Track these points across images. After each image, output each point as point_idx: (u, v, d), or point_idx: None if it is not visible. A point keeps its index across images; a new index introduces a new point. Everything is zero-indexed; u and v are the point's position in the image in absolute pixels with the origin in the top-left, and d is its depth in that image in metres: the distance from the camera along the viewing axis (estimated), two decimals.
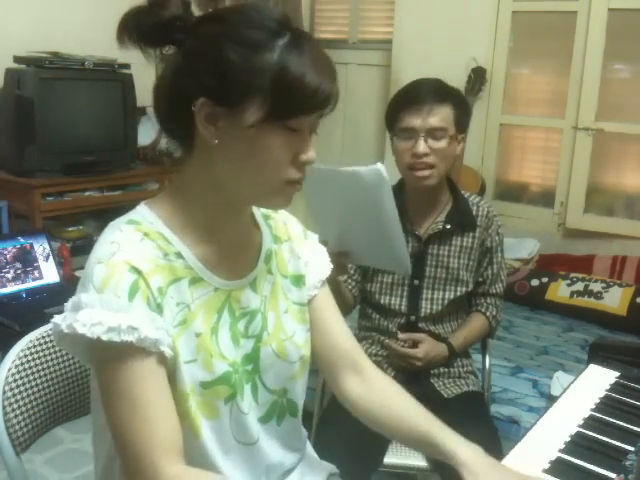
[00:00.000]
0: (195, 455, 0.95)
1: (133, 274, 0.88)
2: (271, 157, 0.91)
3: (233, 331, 1.00)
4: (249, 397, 1.02)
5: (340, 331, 1.16)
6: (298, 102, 0.89)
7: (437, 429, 1.06)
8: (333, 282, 1.61)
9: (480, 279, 1.80)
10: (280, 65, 0.87)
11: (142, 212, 0.97)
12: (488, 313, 1.81)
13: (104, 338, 0.85)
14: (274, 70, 0.87)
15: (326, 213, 1.53)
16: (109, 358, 0.88)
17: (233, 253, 1.02)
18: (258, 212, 1.10)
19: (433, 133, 1.62)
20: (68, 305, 0.90)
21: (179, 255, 0.95)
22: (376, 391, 1.13)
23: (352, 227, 1.50)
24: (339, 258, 1.56)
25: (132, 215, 0.96)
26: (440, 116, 1.62)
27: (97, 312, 0.86)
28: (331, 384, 1.15)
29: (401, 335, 1.68)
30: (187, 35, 0.91)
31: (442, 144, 1.63)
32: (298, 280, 1.11)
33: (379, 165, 1.37)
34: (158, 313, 0.90)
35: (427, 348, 1.66)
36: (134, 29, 0.91)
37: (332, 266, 1.20)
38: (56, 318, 0.91)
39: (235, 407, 0.99)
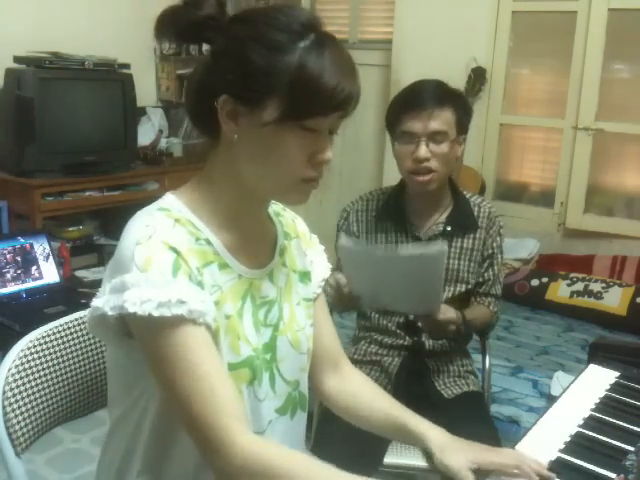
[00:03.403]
0: None
1: (173, 253, 0.90)
2: (287, 156, 0.94)
3: (255, 318, 1.03)
4: (267, 385, 1.03)
5: (328, 332, 1.22)
6: (315, 102, 0.91)
7: (407, 416, 1.14)
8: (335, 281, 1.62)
9: (480, 280, 1.79)
10: (299, 66, 0.90)
11: (170, 200, 0.99)
12: (491, 307, 1.80)
13: (155, 314, 0.87)
14: (293, 71, 0.90)
15: (365, 278, 1.52)
16: (162, 333, 0.89)
17: (253, 244, 1.05)
18: (270, 208, 1.12)
19: (434, 137, 1.62)
20: (106, 289, 0.91)
21: (207, 241, 0.97)
22: (350, 386, 1.22)
23: (392, 288, 1.52)
24: (355, 302, 1.58)
25: (161, 203, 0.99)
26: (441, 120, 1.62)
27: (144, 290, 0.87)
28: (311, 380, 1.18)
29: None
30: (219, 34, 0.94)
31: (443, 148, 1.63)
32: (305, 276, 1.15)
33: (442, 244, 1.45)
34: (200, 288, 0.92)
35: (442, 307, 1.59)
36: (171, 26, 0.95)
37: (331, 266, 1.24)
38: (96, 302, 0.92)
39: (252, 392, 1.01)
